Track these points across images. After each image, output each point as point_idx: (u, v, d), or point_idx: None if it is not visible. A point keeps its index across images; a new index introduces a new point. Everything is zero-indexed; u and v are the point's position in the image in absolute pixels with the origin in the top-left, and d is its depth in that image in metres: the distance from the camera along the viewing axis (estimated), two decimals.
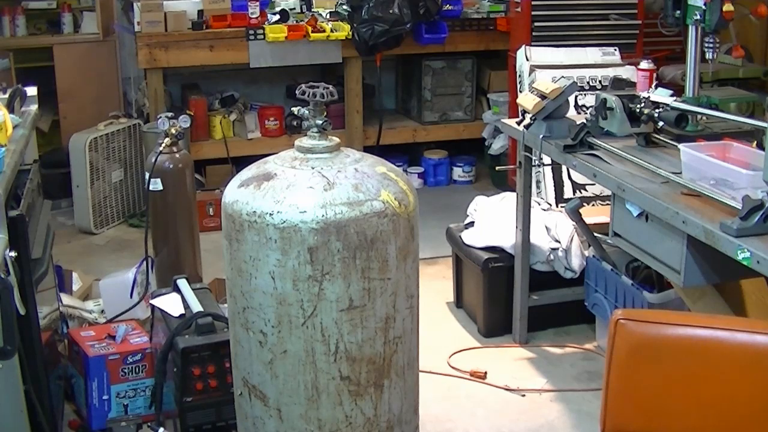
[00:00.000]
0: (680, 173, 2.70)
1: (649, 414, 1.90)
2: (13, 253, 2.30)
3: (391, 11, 5.19)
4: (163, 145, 3.64)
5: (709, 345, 1.85)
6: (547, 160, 3.58)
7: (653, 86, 3.24)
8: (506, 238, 3.77)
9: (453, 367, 3.58)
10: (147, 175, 3.66)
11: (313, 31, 5.27)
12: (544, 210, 3.95)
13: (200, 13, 5.23)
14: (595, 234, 3.57)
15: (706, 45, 3.08)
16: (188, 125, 3.77)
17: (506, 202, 3.97)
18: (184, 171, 3.72)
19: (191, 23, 5.21)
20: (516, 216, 3.64)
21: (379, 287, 2.18)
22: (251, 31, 5.23)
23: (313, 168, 2.21)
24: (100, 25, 5.56)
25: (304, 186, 2.15)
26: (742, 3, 3.73)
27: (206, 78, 5.81)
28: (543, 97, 3.30)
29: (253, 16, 5.26)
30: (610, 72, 4.51)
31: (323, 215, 2.10)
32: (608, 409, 1.95)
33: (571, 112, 3.45)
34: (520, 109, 3.45)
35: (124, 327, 3.18)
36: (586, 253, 3.71)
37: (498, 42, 5.60)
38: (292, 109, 4.72)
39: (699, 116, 3.06)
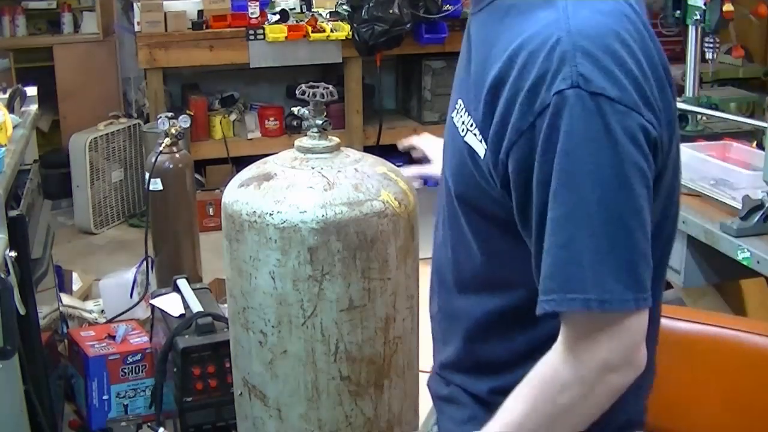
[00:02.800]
0: None
1: None
2: (13, 253, 2.30)
3: (391, 11, 5.19)
4: (163, 145, 3.64)
5: (704, 343, 1.84)
6: None
7: None
8: None
9: None
10: (147, 175, 3.65)
11: (313, 31, 5.27)
12: None
13: (200, 13, 5.22)
14: None
15: (706, 45, 3.07)
16: (188, 125, 3.76)
17: None
18: (184, 171, 3.71)
19: (191, 23, 5.20)
20: None
21: (379, 287, 2.18)
22: (251, 31, 5.22)
23: (313, 168, 2.20)
24: (100, 25, 5.56)
25: (304, 186, 2.15)
26: (742, 3, 3.73)
27: (206, 78, 5.81)
28: None
29: (253, 16, 5.25)
30: None
31: (323, 215, 2.10)
32: None
33: None
34: None
35: (124, 327, 3.17)
36: None
37: None
38: (292, 109, 4.73)
39: (699, 116, 3.06)
